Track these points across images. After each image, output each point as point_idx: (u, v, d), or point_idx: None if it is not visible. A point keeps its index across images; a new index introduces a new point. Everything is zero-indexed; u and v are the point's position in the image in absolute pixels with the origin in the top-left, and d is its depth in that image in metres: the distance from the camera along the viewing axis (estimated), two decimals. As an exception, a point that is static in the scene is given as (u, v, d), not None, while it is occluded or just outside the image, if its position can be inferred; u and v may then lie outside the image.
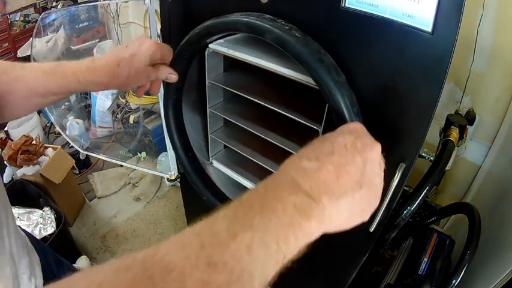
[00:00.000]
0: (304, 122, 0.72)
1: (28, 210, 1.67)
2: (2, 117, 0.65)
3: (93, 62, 0.66)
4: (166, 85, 0.90)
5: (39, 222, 1.64)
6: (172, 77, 0.76)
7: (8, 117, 0.66)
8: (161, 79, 0.76)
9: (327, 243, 0.89)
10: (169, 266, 0.27)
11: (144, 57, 0.67)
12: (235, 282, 0.28)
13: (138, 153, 2.41)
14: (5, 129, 2.39)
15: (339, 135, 0.42)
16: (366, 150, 0.41)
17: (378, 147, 0.43)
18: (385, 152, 0.65)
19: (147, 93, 2.36)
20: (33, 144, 1.93)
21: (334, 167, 0.37)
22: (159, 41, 0.73)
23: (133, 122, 2.47)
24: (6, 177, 1.87)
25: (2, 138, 2.38)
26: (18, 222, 1.58)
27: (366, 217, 0.41)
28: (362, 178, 0.39)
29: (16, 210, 1.63)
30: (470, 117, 1.22)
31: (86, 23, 2.57)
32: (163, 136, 2.23)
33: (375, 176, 0.41)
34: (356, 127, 0.46)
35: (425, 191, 0.73)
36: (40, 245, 0.77)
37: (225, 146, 1.07)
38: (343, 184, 0.37)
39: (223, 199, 1.00)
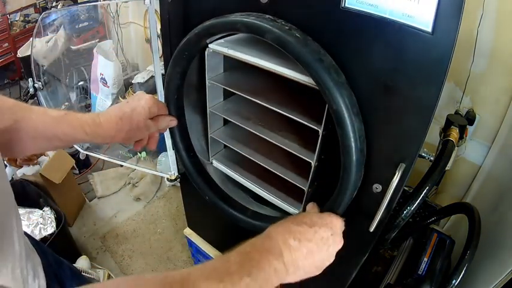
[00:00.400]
0: (304, 122, 0.72)
1: (28, 210, 1.67)
2: (5, 153, 0.66)
3: (98, 116, 0.71)
4: (167, 85, 0.90)
5: (39, 222, 1.64)
6: (173, 123, 0.85)
7: (12, 154, 0.68)
8: (163, 128, 0.82)
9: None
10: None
11: (144, 110, 0.74)
12: None
13: (138, 153, 2.41)
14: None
15: (322, 225, 0.60)
16: (334, 245, 0.61)
17: (341, 245, 0.63)
18: (386, 153, 0.65)
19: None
20: (33, 144, 1.93)
21: (307, 251, 0.56)
22: (155, 97, 0.80)
23: (133, 122, 2.47)
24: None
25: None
26: (18, 222, 1.58)
27: (304, 277, 0.59)
28: (320, 263, 0.60)
29: (16, 210, 1.63)
30: (470, 117, 1.22)
31: (86, 23, 2.57)
32: (163, 136, 2.23)
33: (328, 262, 0.62)
34: (336, 223, 0.63)
35: (425, 191, 0.73)
36: (39, 246, 0.77)
37: (225, 146, 1.07)
38: (306, 264, 0.56)
39: (225, 198, 1.00)
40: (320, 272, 0.60)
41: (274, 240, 0.55)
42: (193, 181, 1.01)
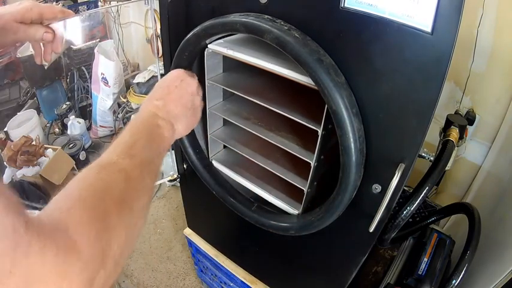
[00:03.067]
0: (303, 123, 0.72)
1: (28, 211, 1.67)
2: None
3: None
4: None
5: (39, 222, 1.64)
6: (48, 35, 0.72)
7: None
8: (36, 39, 0.71)
9: (328, 243, 0.89)
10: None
11: (15, 11, 0.66)
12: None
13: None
14: (5, 129, 2.39)
15: (170, 80, 0.70)
16: (189, 86, 0.70)
17: (195, 82, 0.72)
18: (385, 153, 0.65)
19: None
20: (33, 145, 1.93)
21: (173, 102, 0.65)
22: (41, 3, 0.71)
23: (134, 122, 2.47)
24: (6, 178, 1.87)
25: (1, 138, 2.37)
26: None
27: (194, 123, 0.71)
28: (190, 104, 0.69)
29: (16, 210, 1.63)
30: (470, 117, 1.22)
31: (86, 23, 2.57)
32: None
33: (197, 101, 0.72)
34: (179, 73, 0.72)
35: (425, 191, 0.73)
36: None
37: (224, 146, 1.07)
38: (180, 111, 0.66)
39: (233, 193, 1.00)
40: (197, 113, 0.72)
41: (146, 111, 0.63)
42: (201, 177, 1.02)
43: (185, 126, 0.67)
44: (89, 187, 0.42)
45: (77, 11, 2.48)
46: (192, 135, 0.99)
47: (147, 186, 0.51)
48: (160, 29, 0.91)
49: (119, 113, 2.59)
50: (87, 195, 0.40)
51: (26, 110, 2.67)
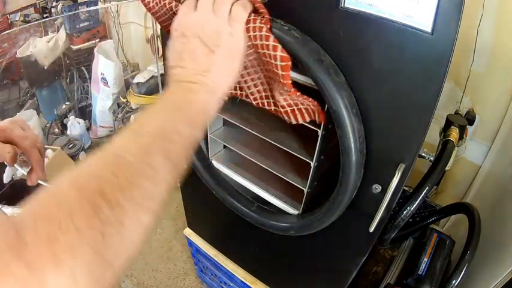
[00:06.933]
0: (303, 123, 0.71)
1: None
2: None
3: None
4: None
5: (39, 222, 1.64)
6: (7, 156, 0.65)
7: None
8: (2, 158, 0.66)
9: (328, 243, 0.89)
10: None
11: None
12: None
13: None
14: (5, 129, 2.39)
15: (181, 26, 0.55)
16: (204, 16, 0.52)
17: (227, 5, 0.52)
18: (385, 153, 0.65)
19: (148, 94, 2.34)
20: (33, 144, 1.93)
21: (189, 54, 0.52)
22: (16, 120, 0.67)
23: (134, 122, 2.47)
24: (6, 177, 1.87)
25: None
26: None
27: (231, 69, 0.52)
28: (214, 41, 0.51)
29: (16, 210, 1.63)
30: (470, 117, 1.22)
31: (86, 23, 2.57)
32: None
33: (225, 33, 0.51)
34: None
35: (425, 191, 0.73)
36: None
37: (224, 146, 1.06)
38: (202, 58, 0.50)
39: (233, 193, 1.00)
40: (232, 52, 0.52)
41: (170, 81, 0.52)
42: (201, 177, 1.01)
43: (219, 75, 0.50)
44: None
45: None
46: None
47: (157, 168, 0.40)
48: (160, 29, 0.91)
49: (118, 113, 2.60)
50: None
51: (25, 110, 2.67)
